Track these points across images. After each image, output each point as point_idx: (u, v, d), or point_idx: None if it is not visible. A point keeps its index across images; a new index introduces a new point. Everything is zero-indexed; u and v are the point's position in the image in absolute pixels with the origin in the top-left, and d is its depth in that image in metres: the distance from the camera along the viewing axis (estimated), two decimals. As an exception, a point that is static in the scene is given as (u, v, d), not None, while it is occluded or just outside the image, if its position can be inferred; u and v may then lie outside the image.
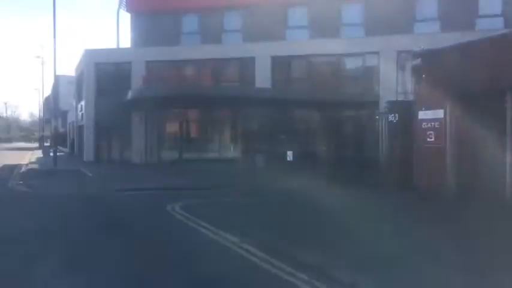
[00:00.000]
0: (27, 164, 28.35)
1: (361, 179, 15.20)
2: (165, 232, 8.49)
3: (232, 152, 25.08)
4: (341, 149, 16.53)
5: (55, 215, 10.76)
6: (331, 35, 25.26)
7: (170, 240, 7.86)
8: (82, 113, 31.88)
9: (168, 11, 28.01)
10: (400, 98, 23.53)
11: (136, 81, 26.83)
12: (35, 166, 26.28)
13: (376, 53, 24.39)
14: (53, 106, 26.27)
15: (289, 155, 19.58)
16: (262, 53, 25.71)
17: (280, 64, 26.04)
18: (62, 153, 39.99)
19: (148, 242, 7.86)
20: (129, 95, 23.78)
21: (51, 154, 34.60)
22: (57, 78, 62.98)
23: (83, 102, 31.63)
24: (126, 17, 30.97)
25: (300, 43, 25.58)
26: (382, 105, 23.32)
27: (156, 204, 11.74)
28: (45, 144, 57.44)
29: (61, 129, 26.56)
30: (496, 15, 23.78)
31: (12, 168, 25.10)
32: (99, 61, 28.88)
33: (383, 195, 12.70)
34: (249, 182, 16.35)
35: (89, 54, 29.44)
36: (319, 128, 19.09)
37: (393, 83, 23.96)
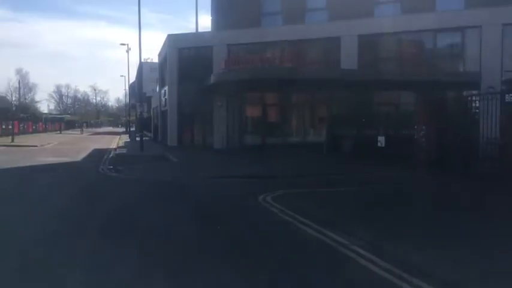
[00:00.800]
0: (115, 149, 29.32)
1: (467, 167, 13.61)
2: (263, 231, 7.59)
3: (317, 137, 24.00)
4: (441, 134, 14.85)
5: (146, 203, 10.46)
6: (425, 9, 23.18)
7: (270, 241, 6.97)
8: (165, 99, 32.32)
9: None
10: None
11: (218, 66, 26.48)
12: (123, 151, 27.01)
13: (478, 27, 21.96)
14: (137, 92, 26.64)
15: (381, 141, 18.14)
16: (349, 32, 24.22)
17: (368, 43, 24.37)
18: (146, 138, 41.25)
19: (247, 242, 6.99)
20: (211, 79, 23.42)
21: (138, 139, 35.86)
22: (141, 65, 65.34)
23: (166, 88, 32.03)
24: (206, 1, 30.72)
25: (390, 19, 23.69)
26: (484, 86, 21.25)
27: (246, 194, 11.08)
28: (131, 129, 60.16)
29: (145, 115, 27.08)
30: None
31: (102, 153, 25.97)
32: (182, 46, 28.90)
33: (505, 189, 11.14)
34: (339, 170, 15.30)
35: (172, 39, 29.55)
36: (413, 111, 17.40)
37: (497, 61, 21.52)
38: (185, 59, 29.19)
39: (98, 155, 24.78)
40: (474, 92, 15.40)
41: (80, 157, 23.33)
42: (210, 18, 31.66)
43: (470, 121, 13.96)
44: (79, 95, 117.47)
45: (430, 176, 13.42)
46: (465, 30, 22.41)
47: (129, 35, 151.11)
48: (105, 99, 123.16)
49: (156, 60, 49.57)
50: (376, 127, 20.32)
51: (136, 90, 60.57)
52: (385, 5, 24.56)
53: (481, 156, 13.67)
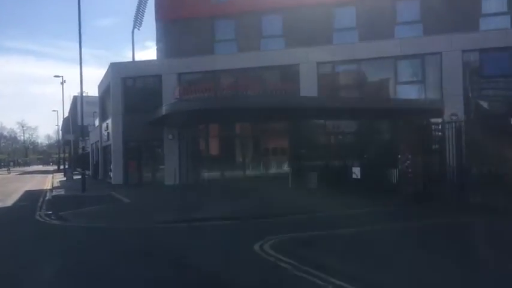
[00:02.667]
0: (51, 190, 26.07)
1: (460, 198, 12.49)
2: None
3: (279, 169, 22.42)
4: (428, 163, 13.75)
5: (107, 264, 8.13)
6: (384, 36, 22.71)
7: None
8: (108, 132, 29.62)
9: (200, 18, 25.76)
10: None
11: (168, 96, 24.52)
12: (61, 192, 23.88)
13: (438, 53, 21.69)
14: (78, 126, 23.96)
15: (356, 172, 16.79)
16: (307, 59, 23.24)
17: (327, 70, 23.49)
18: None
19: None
20: (163, 110, 21.34)
21: (75, 177, 32.58)
22: (75, 99, 61.55)
23: (108, 121, 29.40)
24: (147, 31, 28.77)
25: (348, 46, 23.00)
26: (448, 113, 20.81)
27: (235, 242, 9.13)
28: (66, 167, 55.78)
29: (86, 150, 24.44)
30: None
31: (36, 195, 22.79)
32: (127, 75, 26.68)
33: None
34: (321, 206, 13.65)
35: (115, 68, 27.25)
36: (391, 140, 16.35)
37: (458, 87, 21.24)
38: (130, 89, 26.96)
39: (32, 197, 21.61)
40: (455, 117, 14.51)
41: (10, 201, 20.11)
42: (156, 47, 29.69)
43: (459, 149, 12.91)
44: (5, 133, 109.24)
45: (429, 210, 12.08)
46: (425, 57, 22.07)
47: (58, 70, 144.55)
48: (34, 136, 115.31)
49: (91, 94, 46.56)
50: (345, 157, 18.98)
51: (80, 123, 56.84)
52: (343, 32, 23.84)
53: (469, 185, 12.65)
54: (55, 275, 7.27)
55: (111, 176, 28.12)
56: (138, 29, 32.58)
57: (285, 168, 21.94)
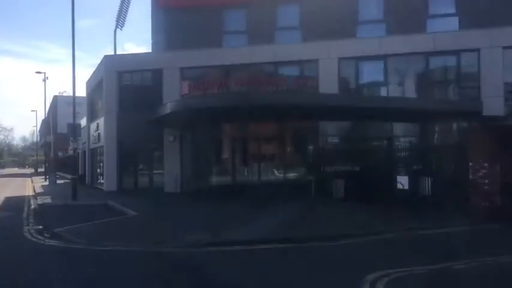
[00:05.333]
0: (35, 196, 22.98)
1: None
2: None
3: (299, 175, 19.92)
4: (507, 172, 11.47)
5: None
6: (414, 30, 20.51)
7: None
8: (98, 133, 26.71)
9: (207, 6, 23.15)
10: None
11: (170, 92, 21.87)
12: (47, 199, 20.83)
13: (476, 50, 19.57)
14: (73, 124, 20.95)
15: (402, 182, 14.42)
16: (328, 55, 20.88)
17: (350, 67, 21.16)
18: (66, 181, 34.62)
19: None
20: (167, 107, 18.66)
21: (58, 182, 29.50)
22: (55, 99, 58.03)
23: (99, 121, 26.48)
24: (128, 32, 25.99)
25: (374, 40, 20.71)
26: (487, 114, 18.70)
27: (317, 279, 6.59)
28: (44, 169, 52.10)
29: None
30: None
31: (19, 203, 19.75)
32: (122, 69, 23.86)
33: None
34: (383, 225, 11.21)
35: (109, 61, 24.41)
36: (459, 144, 13.91)
37: (498, 87, 19.17)
38: (126, 84, 24.18)
39: (15, 206, 18.61)
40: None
41: (-12, 211, 17.10)
42: (151, 40, 26.88)
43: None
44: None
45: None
46: (461, 54, 19.93)
47: (36, 70, 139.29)
48: (9, 137, 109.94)
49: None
50: (383, 164, 16.58)
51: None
52: (369, 24, 21.54)
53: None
54: None
55: (103, 181, 25.18)
56: (121, 29, 29.88)
57: (306, 174, 19.45)
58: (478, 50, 19.57)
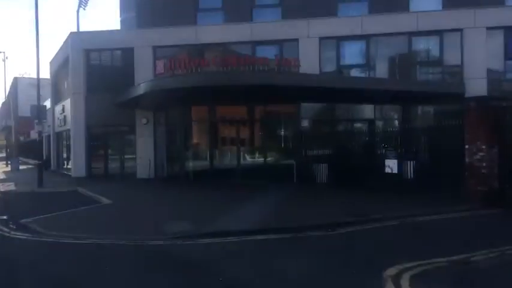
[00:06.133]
0: (-3, 184, 21.43)
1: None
2: None
3: (280, 159, 19.18)
4: (506, 156, 11.05)
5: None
6: (397, 9, 19.92)
7: None
8: (64, 116, 25.18)
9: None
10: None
11: (142, 72, 20.68)
12: (11, 186, 19.39)
13: (459, 30, 19.17)
14: (38, 106, 19.13)
15: (392, 165, 13.87)
16: (308, 33, 20.09)
17: (331, 47, 20.42)
18: (30, 167, 32.87)
19: None
20: (141, 88, 17.49)
21: (21, 167, 27.92)
22: (15, 81, 55.17)
23: (65, 102, 24.96)
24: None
25: (358, 19, 20.01)
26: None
27: (332, 275, 5.87)
28: (5, 155, 49.52)
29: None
30: None
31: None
32: (90, 47, 22.37)
33: None
34: (377, 210, 10.62)
35: (76, 38, 22.85)
36: (430, 125, 13.52)
37: (481, 69, 18.85)
38: (95, 63, 22.81)
39: (-26, 195, 17.16)
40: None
41: None
42: (119, 17, 25.43)
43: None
44: None
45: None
46: (444, 34, 19.49)
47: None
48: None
49: (34, 76, 40.50)
50: (367, 147, 16.03)
51: (12, 108, 50.58)
52: (350, 3, 20.78)
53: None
54: None
55: (70, 167, 23.79)
56: (84, 9, 28.21)
57: (287, 158, 18.74)
58: (461, 31, 19.17)
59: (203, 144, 20.09)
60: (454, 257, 6.53)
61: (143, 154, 21.40)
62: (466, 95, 18.61)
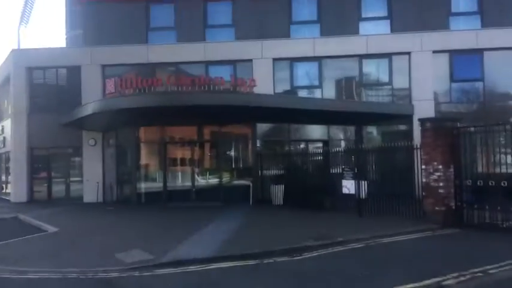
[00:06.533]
0: None
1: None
2: None
3: (234, 180, 18.81)
4: (459, 176, 11.29)
5: None
6: (348, 33, 20.33)
7: None
8: (4, 137, 23.67)
9: (132, 0, 21.32)
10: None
11: (90, 91, 19.93)
12: None
13: (407, 53, 19.83)
14: None
15: (349, 186, 13.85)
16: (262, 55, 20.13)
17: (285, 68, 20.52)
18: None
19: None
20: (89, 108, 16.73)
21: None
22: None
23: (5, 123, 23.51)
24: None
25: (310, 41, 20.25)
26: (417, 119, 18.90)
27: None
28: None
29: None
30: None
31: None
32: (33, 65, 21.28)
33: None
34: (344, 231, 10.47)
35: (18, 56, 21.64)
36: (386, 147, 13.62)
37: (429, 91, 19.50)
38: (38, 82, 21.70)
39: None
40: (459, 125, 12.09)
41: None
42: (65, 35, 24.45)
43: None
44: None
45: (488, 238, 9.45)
46: (393, 57, 20.09)
47: None
48: None
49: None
50: (325, 169, 15.97)
51: None
52: (302, 25, 21.00)
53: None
54: None
55: (9, 191, 22.27)
56: (25, 26, 27.13)
57: (242, 179, 18.43)
58: (408, 54, 19.83)
59: (156, 166, 19.39)
60: (427, 281, 6.42)
61: (90, 177, 20.39)
62: (415, 116, 19.24)
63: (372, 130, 20.75)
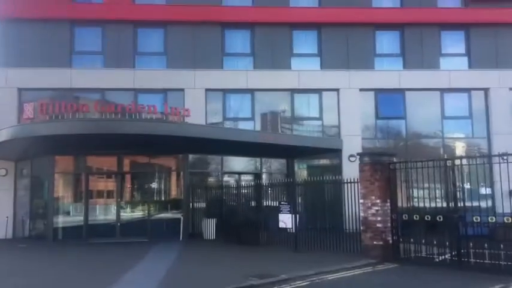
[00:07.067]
0: None
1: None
2: None
3: (165, 213, 17.87)
4: (396, 210, 11.49)
5: None
6: (279, 67, 20.53)
7: None
8: None
9: (55, 20, 20.02)
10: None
11: (3, 116, 18.11)
12: None
13: (336, 89, 20.41)
14: None
15: (286, 220, 13.55)
16: (194, 84, 19.78)
17: (217, 99, 20.26)
18: None
19: None
20: (2, 134, 15.22)
21: None
22: None
23: None
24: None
25: (243, 73, 20.23)
26: (345, 154, 19.44)
27: None
28: None
29: None
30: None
31: None
32: None
33: None
34: (285, 269, 10.05)
35: None
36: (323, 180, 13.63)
37: (356, 126, 20.10)
38: None
39: None
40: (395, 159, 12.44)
41: None
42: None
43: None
44: None
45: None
46: (323, 92, 20.58)
47: None
48: None
49: None
50: (259, 202, 15.62)
51: None
52: (236, 57, 20.90)
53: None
54: None
55: None
56: None
57: (172, 212, 17.58)
58: (337, 90, 20.41)
59: (76, 198, 17.92)
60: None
61: (0, 210, 18.39)
62: (344, 151, 19.74)
63: (303, 164, 20.91)
